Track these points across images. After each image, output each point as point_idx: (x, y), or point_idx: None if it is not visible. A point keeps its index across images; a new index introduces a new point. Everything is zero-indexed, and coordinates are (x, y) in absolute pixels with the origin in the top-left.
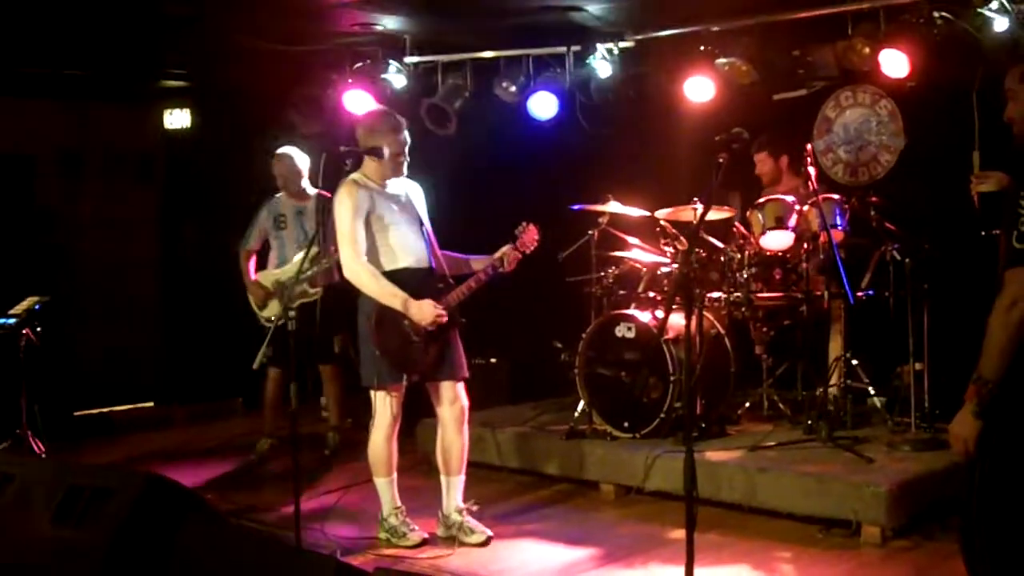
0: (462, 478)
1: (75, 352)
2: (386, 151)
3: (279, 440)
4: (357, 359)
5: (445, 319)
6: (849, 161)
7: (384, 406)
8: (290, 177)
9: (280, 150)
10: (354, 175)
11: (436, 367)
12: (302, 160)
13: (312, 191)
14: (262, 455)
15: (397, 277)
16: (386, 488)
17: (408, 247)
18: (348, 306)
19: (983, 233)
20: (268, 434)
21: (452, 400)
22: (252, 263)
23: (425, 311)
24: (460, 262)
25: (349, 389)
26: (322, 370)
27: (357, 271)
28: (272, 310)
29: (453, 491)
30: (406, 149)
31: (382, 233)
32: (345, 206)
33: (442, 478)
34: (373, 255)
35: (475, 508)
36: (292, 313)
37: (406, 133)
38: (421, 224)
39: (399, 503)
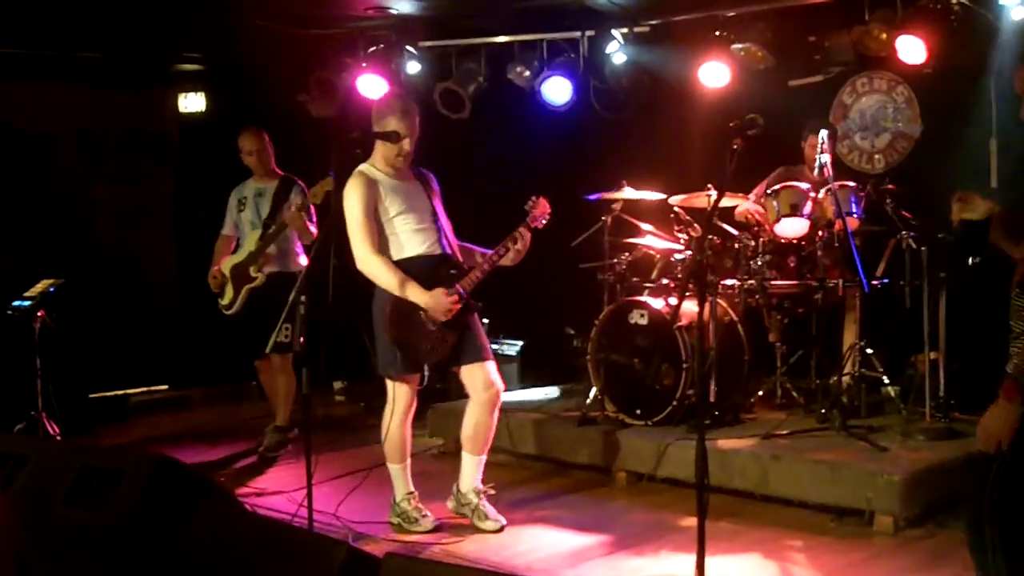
0: (483, 459)
1: (91, 334)
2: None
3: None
4: (373, 348)
5: (459, 307)
6: (865, 148)
7: (399, 395)
8: (262, 152)
9: (245, 128)
10: (362, 166)
11: (457, 353)
12: (265, 139)
13: (279, 173)
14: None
15: (407, 266)
16: (399, 474)
17: (417, 235)
18: (286, 295)
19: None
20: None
21: (487, 385)
22: (227, 249)
23: (438, 301)
24: (477, 255)
25: (361, 376)
26: (273, 360)
27: (369, 263)
28: (227, 297)
29: (473, 470)
30: (413, 135)
31: (390, 223)
32: (352, 199)
33: (464, 455)
34: (383, 245)
35: (492, 492)
36: (303, 299)
37: (416, 120)
38: (433, 213)
39: (412, 489)
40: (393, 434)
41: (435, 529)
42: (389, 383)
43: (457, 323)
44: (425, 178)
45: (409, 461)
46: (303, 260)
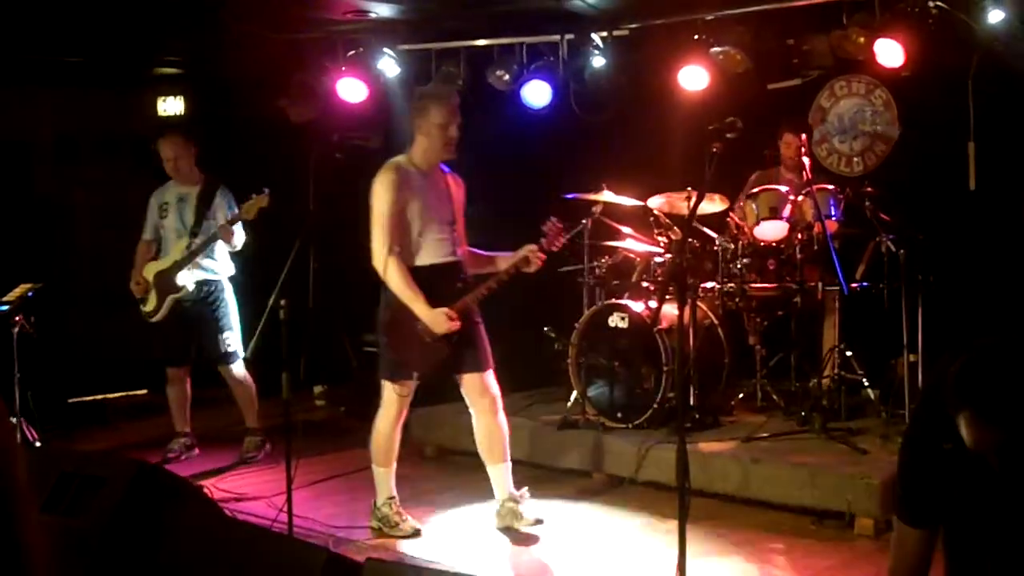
0: (508, 465)
1: (69, 339)
2: (432, 129)
3: (192, 440)
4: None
5: (457, 327)
6: (844, 151)
7: (392, 398)
8: (181, 159)
9: (164, 135)
10: (399, 158)
11: (457, 362)
12: (188, 142)
13: (200, 175)
14: (174, 451)
15: (419, 275)
16: (384, 477)
17: (434, 243)
18: (214, 303)
19: None
20: (179, 433)
21: (481, 392)
22: (148, 255)
23: (438, 322)
24: (484, 259)
25: (341, 380)
26: (222, 371)
27: (384, 264)
28: (150, 304)
29: (501, 477)
30: (452, 126)
31: (412, 224)
32: (382, 194)
33: (488, 468)
34: (400, 247)
35: (527, 496)
36: (283, 303)
37: (454, 105)
38: (453, 219)
39: (394, 493)
40: (381, 437)
41: (415, 534)
42: (384, 385)
43: (454, 336)
44: (454, 181)
45: (395, 466)
46: (231, 267)
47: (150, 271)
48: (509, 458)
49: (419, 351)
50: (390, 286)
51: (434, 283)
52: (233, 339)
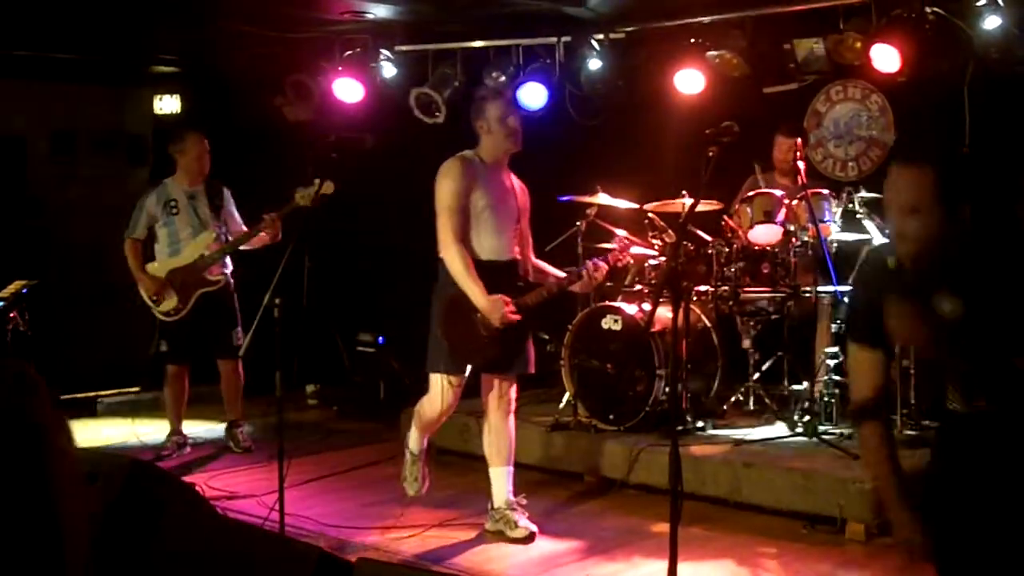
0: (511, 470)
1: (63, 336)
2: (492, 124)
3: (183, 438)
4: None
5: (515, 319)
6: (839, 156)
7: (439, 392)
8: (205, 159)
9: (191, 131)
10: (466, 151)
11: (499, 362)
12: None
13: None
14: (167, 449)
15: (477, 269)
16: (416, 438)
17: (495, 239)
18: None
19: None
20: (172, 431)
21: (502, 394)
22: (141, 253)
23: (496, 308)
24: (539, 274)
25: (333, 379)
26: (219, 364)
27: (450, 251)
28: (169, 303)
29: (501, 482)
30: (510, 118)
31: (475, 218)
32: (447, 183)
33: (490, 470)
34: (463, 238)
35: (524, 502)
36: (277, 302)
37: (508, 98)
38: (517, 220)
39: (418, 451)
40: (424, 426)
41: (406, 532)
42: (432, 378)
43: (508, 334)
44: (519, 185)
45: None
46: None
47: (161, 269)
48: (512, 465)
49: (473, 344)
50: (452, 273)
51: (493, 280)
52: (241, 334)
